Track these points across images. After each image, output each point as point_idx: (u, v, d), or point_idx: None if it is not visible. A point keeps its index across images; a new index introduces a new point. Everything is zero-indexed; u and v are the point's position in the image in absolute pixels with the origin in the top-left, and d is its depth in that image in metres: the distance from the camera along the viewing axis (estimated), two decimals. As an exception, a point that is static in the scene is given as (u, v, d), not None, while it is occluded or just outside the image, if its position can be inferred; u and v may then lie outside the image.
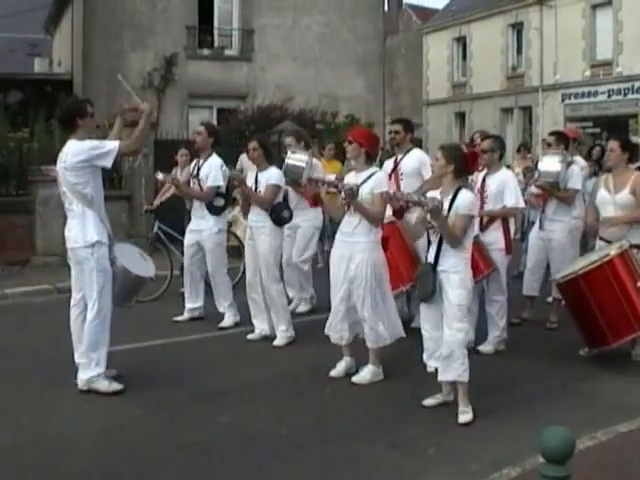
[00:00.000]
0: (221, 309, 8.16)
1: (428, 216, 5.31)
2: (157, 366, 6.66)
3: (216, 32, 20.44)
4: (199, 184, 8.09)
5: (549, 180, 7.59)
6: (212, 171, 7.97)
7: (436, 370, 5.53)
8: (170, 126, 16.32)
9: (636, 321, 6.34)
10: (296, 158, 7.47)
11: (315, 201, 8.44)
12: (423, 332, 5.61)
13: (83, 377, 5.87)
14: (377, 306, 6.05)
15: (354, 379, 6.15)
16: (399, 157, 7.56)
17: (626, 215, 6.69)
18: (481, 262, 6.80)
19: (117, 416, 5.50)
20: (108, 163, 5.86)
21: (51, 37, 32.38)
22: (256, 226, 7.40)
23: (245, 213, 7.71)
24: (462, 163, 5.48)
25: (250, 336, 7.51)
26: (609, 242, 6.73)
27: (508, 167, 8.26)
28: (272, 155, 7.68)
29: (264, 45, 20.12)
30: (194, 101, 19.64)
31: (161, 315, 8.41)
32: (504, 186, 7.04)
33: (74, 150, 5.83)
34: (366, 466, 4.66)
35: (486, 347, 6.99)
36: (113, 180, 12.67)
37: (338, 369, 6.32)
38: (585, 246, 8.92)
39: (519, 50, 33.18)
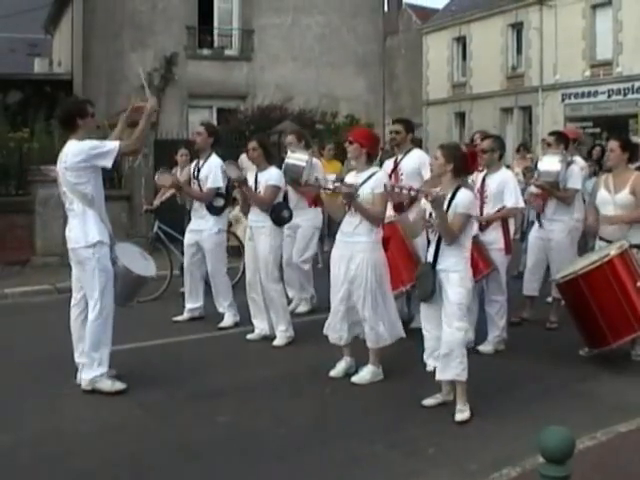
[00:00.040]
0: (221, 309, 8.16)
1: (429, 208, 5.31)
2: (157, 366, 6.66)
3: (216, 32, 20.45)
4: (199, 184, 8.09)
5: (549, 180, 7.59)
6: (212, 172, 7.97)
7: (435, 369, 5.53)
8: (170, 126, 16.31)
9: (636, 321, 6.34)
10: (296, 157, 7.46)
11: (315, 201, 8.44)
12: (424, 332, 5.62)
13: (86, 377, 5.87)
14: (377, 306, 6.05)
15: (354, 379, 6.15)
16: (399, 157, 7.56)
17: (626, 215, 6.69)
18: (480, 262, 6.80)
19: (117, 416, 5.50)
20: (108, 163, 5.86)
21: (51, 37, 32.37)
22: (256, 226, 7.40)
23: (245, 213, 7.72)
24: (461, 162, 5.49)
25: (250, 336, 7.51)
26: (609, 242, 6.73)
27: (508, 167, 8.26)
28: (272, 155, 7.67)
29: (264, 45, 20.12)
30: (194, 101, 19.64)
31: (161, 315, 8.41)
32: (504, 186, 7.04)
33: (74, 150, 5.82)
34: (366, 466, 4.66)
35: (486, 347, 6.99)
36: (113, 180, 12.67)
37: (338, 369, 6.32)
38: (585, 246, 8.92)
39: (519, 50, 33.19)
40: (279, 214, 7.36)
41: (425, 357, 5.62)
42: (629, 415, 5.27)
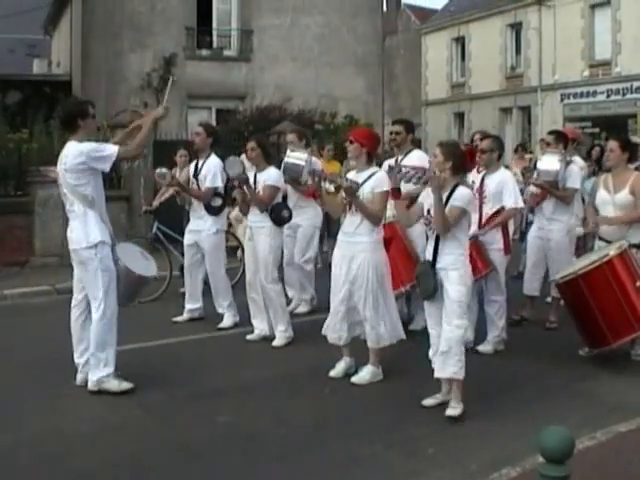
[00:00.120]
0: (220, 310, 8.16)
1: (427, 204, 5.34)
2: (156, 366, 6.66)
3: (215, 33, 20.45)
4: (198, 184, 8.09)
5: (548, 179, 7.59)
6: (211, 172, 7.98)
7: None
8: (169, 127, 16.29)
9: (636, 321, 6.34)
10: (295, 156, 7.45)
11: (313, 194, 8.38)
12: (429, 329, 5.63)
13: (93, 378, 5.86)
14: (379, 306, 6.06)
15: (353, 379, 6.15)
16: (399, 158, 7.55)
17: (624, 216, 6.69)
18: (479, 262, 6.80)
19: (117, 416, 5.50)
20: (106, 167, 5.86)
21: (50, 38, 32.34)
22: (256, 226, 7.40)
23: (244, 213, 7.72)
24: (460, 160, 5.50)
25: (249, 337, 7.51)
26: (608, 242, 6.73)
27: (506, 167, 8.26)
28: (271, 155, 7.68)
29: (263, 46, 20.12)
30: (193, 102, 19.63)
31: (160, 316, 8.41)
32: (503, 186, 7.04)
33: (74, 152, 5.82)
34: (366, 466, 4.66)
35: (485, 347, 6.99)
36: (112, 180, 12.65)
37: (337, 369, 6.32)
38: (584, 246, 8.93)
39: (518, 50, 33.20)
40: (278, 214, 7.36)
41: (431, 355, 5.61)
42: (629, 415, 5.27)
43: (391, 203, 6.04)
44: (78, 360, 6.07)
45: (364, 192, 5.99)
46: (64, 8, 25.96)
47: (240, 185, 7.36)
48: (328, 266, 7.04)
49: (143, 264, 6.46)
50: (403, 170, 5.55)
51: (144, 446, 4.98)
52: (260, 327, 7.52)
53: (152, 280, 6.64)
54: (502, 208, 7.06)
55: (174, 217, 9.61)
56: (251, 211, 7.46)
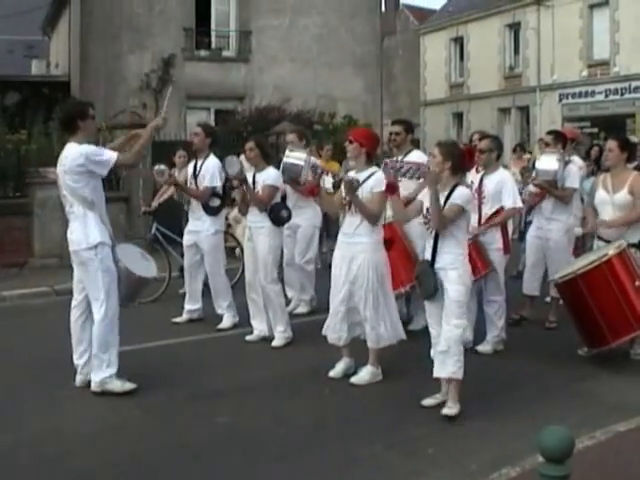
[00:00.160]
0: (219, 310, 8.15)
1: (426, 202, 5.35)
2: (156, 367, 6.65)
3: (213, 34, 20.45)
4: (196, 185, 8.09)
5: (547, 178, 7.59)
6: (209, 172, 7.98)
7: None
8: (168, 127, 16.25)
9: (635, 320, 6.34)
10: (294, 156, 7.43)
11: (312, 191, 8.33)
12: (430, 329, 5.64)
13: (96, 379, 5.86)
14: (379, 305, 6.06)
15: (353, 380, 6.15)
16: (399, 158, 7.55)
17: (623, 218, 6.68)
18: (479, 262, 6.81)
19: (116, 417, 5.50)
20: (103, 172, 5.85)
21: (48, 39, 32.35)
22: (255, 226, 7.40)
23: (243, 213, 7.72)
24: (459, 160, 5.50)
25: (248, 337, 7.51)
26: (607, 242, 6.74)
27: (505, 167, 8.26)
28: (269, 155, 7.68)
29: (262, 46, 20.12)
30: (192, 102, 19.62)
31: (160, 316, 8.41)
32: (502, 186, 7.04)
33: (73, 154, 5.82)
34: (365, 466, 4.66)
35: (485, 347, 6.99)
36: (111, 181, 12.65)
37: (337, 370, 6.32)
38: (583, 246, 8.93)
39: (516, 50, 33.25)
40: (277, 214, 7.36)
41: (432, 354, 5.61)
42: (628, 414, 5.27)
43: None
44: (77, 361, 6.06)
45: (363, 192, 5.99)
46: (63, 9, 25.98)
47: (239, 185, 7.37)
48: (328, 267, 7.04)
49: (143, 265, 6.46)
50: (397, 165, 5.53)
51: (144, 447, 4.98)
52: (259, 328, 7.52)
53: (152, 281, 6.64)
54: (501, 208, 7.07)
55: (173, 218, 9.61)
56: (250, 211, 7.46)
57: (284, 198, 7.73)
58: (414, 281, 5.96)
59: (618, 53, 28.34)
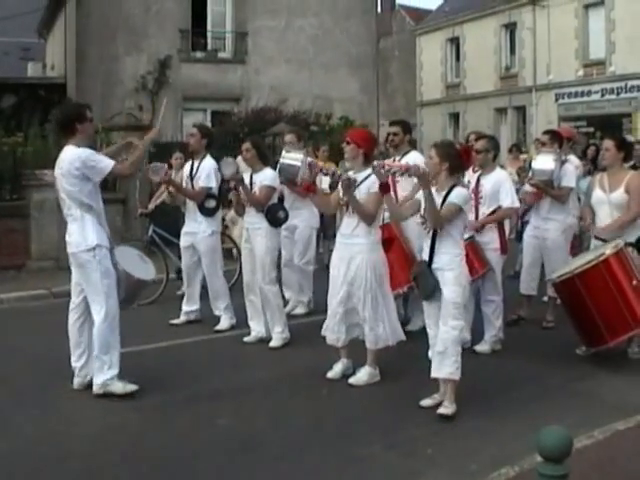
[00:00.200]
0: (217, 312, 8.14)
1: (420, 194, 5.34)
2: (154, 369, 6.65)
3: (209, 35, 20.46)
4: (193, 186, 8.08)
5: (543, 178, 7.60)
6: (205, 172, 7.97)
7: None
8: (164, 129, 16.22)
9: (632, 319, 6.35)
10: (291, 157, 7.44)
11: (309, 188, 8.29)
12: (427, 329, 5.64)
13: (97, 381, 5.84)
14: (378, 306, 6.06)
15: (351, 380, 6.15)
16: (397, 159, 7.55)
17: (617, 221, 6.65)
18: (476, 262, 6.82)
19: (114, 419, 5.49)
20: (97, 179, 5.84)
21: (44, 41, 32.29)
22: (252, 228, 7.40)
23: (240, 214, 7.72)
24: (456, 160, 5.50)
25: (246, 339, 7.51)
26: (604, 241, 6.74)
27: (501, 167, 8.26)
28: (266, 156, 7.68)
29: (258, 47, 20.14)
30: (188, 104, 19.63)
31: (157, 318, 8.40)
32: (499, 186, 7.05)
33: (70, 157, 5.81)
34: (364, 467, 4.66)
35: (483, 347, 7.00)
36: (107, 183, 12.62)
37: (335, 370, 6.31)
38: (580, 245, 8.94)
39: (512, 50, 33.28)
40: (275, 215, 7.36)
41: (430, 354, 5.61)
42: (627, 413, 5.28)
43: None
44: (75, 364, 6.05)
45: (361, 193, 5.99)
46: (58, 11, 25.91)
47: (235, 186, 7.36)
48: (326, 267, 7.03)
49: (142, 267, 6.46)
50: (386, 167, 5.52)
51: (143, 448, 4.98)
52: (257, 329, 7.52)
53: (151, 283, 6.64)
54: (499, 208, 7.07)
55: (170, 220, 9.59)
56: (247, 213, 7.46)
57: (281, 199, 7.72)
58: (412, 282, 5.96)
59: (614, 53, 28.37)
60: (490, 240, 7.06)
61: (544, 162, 7.63)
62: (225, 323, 8.05)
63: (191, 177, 8.07)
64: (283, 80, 19.72)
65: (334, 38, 20.59)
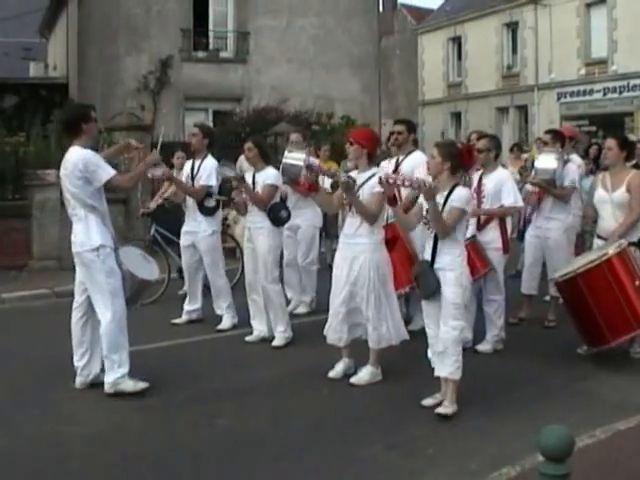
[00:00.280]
0: (219, 311, 8.15)
1: (423, 199, 5.33)
2: (155, 369, 6.63)
3: (211, 34, 20.46)
4: (193, 185, 8.07)
5: (546, 177, 7.59)
6: (206, 171, 7.97)
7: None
8: (166, 129, 16.24)
9: (635, 320, 6.33)
10: (293, 157, 7.42)
11: (310, 186, 8.29)
12: (427, 329, 5.63)
13: (108, 380, 5.84)
14: (381, 305, 6.05)
15: (352, 380, 6.14)
16: (400, 158, 7.54)
17: (621, 226, 6.62)
18: (478, 261, 6.81)
19: (115, 418, 5.49)
20: (96, 184, 5.83)
21: (46, 41, 32.34)
22: (254, 227, 7.40)
23: (242, 214, 7.72)
24: (458, 160, 5.50)
25: (248, 338, 7.50)
26: (607, 240, 6.73)
27: (503, 167, 8.26)
28: (268, 155, 7.68)
29: (259, 47, 20.14)
30: (190, 103, 19.65)
31: (159, 318, 8.40)
32: (501, 185, 7.03)
33: (75, 159, 5.82)
34: (365, 467, 4.66)
35: (484, 346, 6.99)
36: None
37: (337, 370, 6.31)
38: (583, 245, 8.93)
39: (514, 49, 33.27)
40: (277, 214, 7.36)
41: (430, 354, 5.62)
42: (628, 413, 5.27)
43: None
44: (77, 363, 6.05)
45: (364, 193, 6.00)
46: (60, 11, 25.97)
47: (239, 184, 7.35)
48: (329, 267, 7.02)
49: (146, 267, 6.48)
50: (390, 181, 5.53)
51: (144, 448, 4.98)
52: (259, 328, 7.51)
53: (155, 283, 6.65)
54: (501, 207, 7.06)
55: (172, 219, 9.59)
56: (249, 212, 7.46)
57: (283, 199, 7.71)
58: (413, 281, 5.95)
59: (616, 51, 28.34)
60: (492, 239, 7.06)
61: (547, 161, 7.62)
62: (227, 322, 8.05)
63: (192, 176, 8.07)
64: (284, 80, 19.72)
65: (335, 38, 20.58)
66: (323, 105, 19.19)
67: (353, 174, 6.28)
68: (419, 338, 6.23)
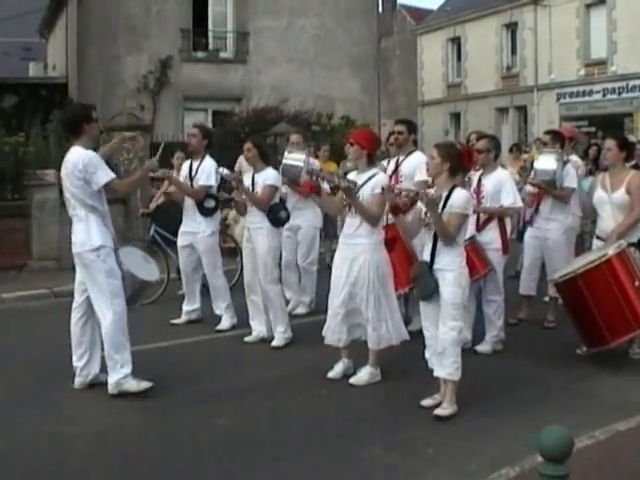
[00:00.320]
0: (218, 311, 8.14)
1: (424, 208, 5.33)
2: (155, 369, 6.62)
3: (211, 35, 20.47)
4: (192, 186, 8.06)
5: (545, 178, 7.59)
6: (205, 172, 7.96)
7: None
8: (165, 129, 16.33)
9: (634, 320, 6.33)
10: (293, 158, 7.44)
11: (311, 188, 8.28)
12: (424, 330, 5.63)
13: (111, 380, 5.84)
14: (381, 305, 6.05)
15: (351, 380, 6.14)
16: (401, 158, 7.52)
17: (621, 226, 6.63)
18: (477, 262, 6.81)
19: (115, 418, 5.49)
20: (94, 186, 5.83)
21: (46, 41, 32.35)
22: (254, 227, 7.40)
23: (241, 214, 7.71)
24: (457, 161, 5.50)
25: (247, 338, 7.50)
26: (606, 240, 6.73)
27: (503, 167, 8.25)
28: (267, 155, 7.67)
29: (259, 47, 20.15)
30: (189, 104, 19.66)
31: (158, 318, 8.39)
32: (501, 186, 7.03)
33: (75, 159, 5.82)
34: (365, 467, 4.66)
35: (484, 347, 6.99)
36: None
37: (336, 370, 6.31)
38: (582, 245, 8.93)
39: (514, 50, 33.29)
40: (276, 215, 7.36)
41: (427, 355, 5.62)
42: (627, 414, 5.27)
43: None
44: (77, 363, 6.05)
45: (364, 194, 5.99)
46: (59, 11, 25.99)
47: (237, 186, 7.35)
48: (328, 267, 7.02)
49: (146, 268, 6.48)
50: (395, 191, 5.54)
51: (143, 448, 4.97)
52: (258, 329, 7.51)
53: (155, 284, 6.64)
54: (500, 207, 7.06)
55: (171, 219, 9.57)
56: (249, 212, 7.45)
57: (282, 200, 7.71)
58: (412, 282, 5.95)
59: (615, 52, 28.36)
60: (491, 240, 7.05)
61: (546, 162, 7.62)
62: (226, 323, 8.04)
63: (190, 177, 8.06)
64: (284, 80, 19.73)
65: (335, 38, 20.59)
66: (323, 105, 19.21)
67: (352, 175, 6.28)
68: (419, 339, 6.22)
